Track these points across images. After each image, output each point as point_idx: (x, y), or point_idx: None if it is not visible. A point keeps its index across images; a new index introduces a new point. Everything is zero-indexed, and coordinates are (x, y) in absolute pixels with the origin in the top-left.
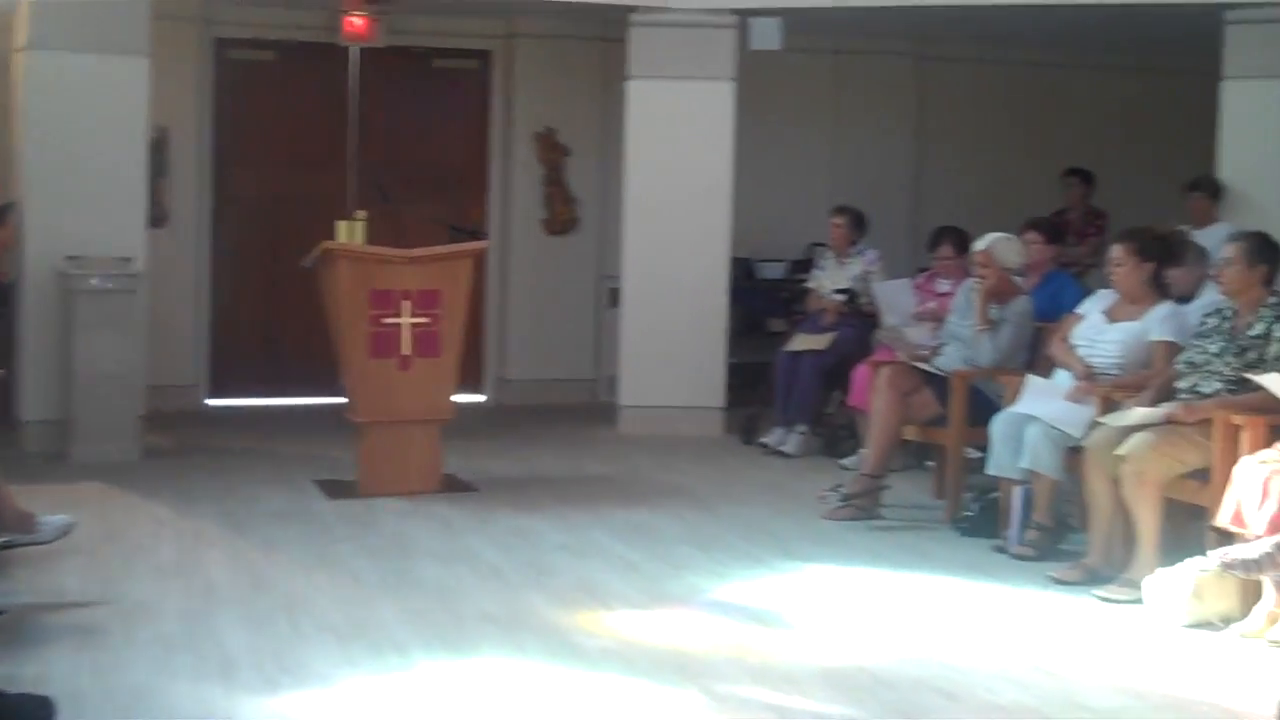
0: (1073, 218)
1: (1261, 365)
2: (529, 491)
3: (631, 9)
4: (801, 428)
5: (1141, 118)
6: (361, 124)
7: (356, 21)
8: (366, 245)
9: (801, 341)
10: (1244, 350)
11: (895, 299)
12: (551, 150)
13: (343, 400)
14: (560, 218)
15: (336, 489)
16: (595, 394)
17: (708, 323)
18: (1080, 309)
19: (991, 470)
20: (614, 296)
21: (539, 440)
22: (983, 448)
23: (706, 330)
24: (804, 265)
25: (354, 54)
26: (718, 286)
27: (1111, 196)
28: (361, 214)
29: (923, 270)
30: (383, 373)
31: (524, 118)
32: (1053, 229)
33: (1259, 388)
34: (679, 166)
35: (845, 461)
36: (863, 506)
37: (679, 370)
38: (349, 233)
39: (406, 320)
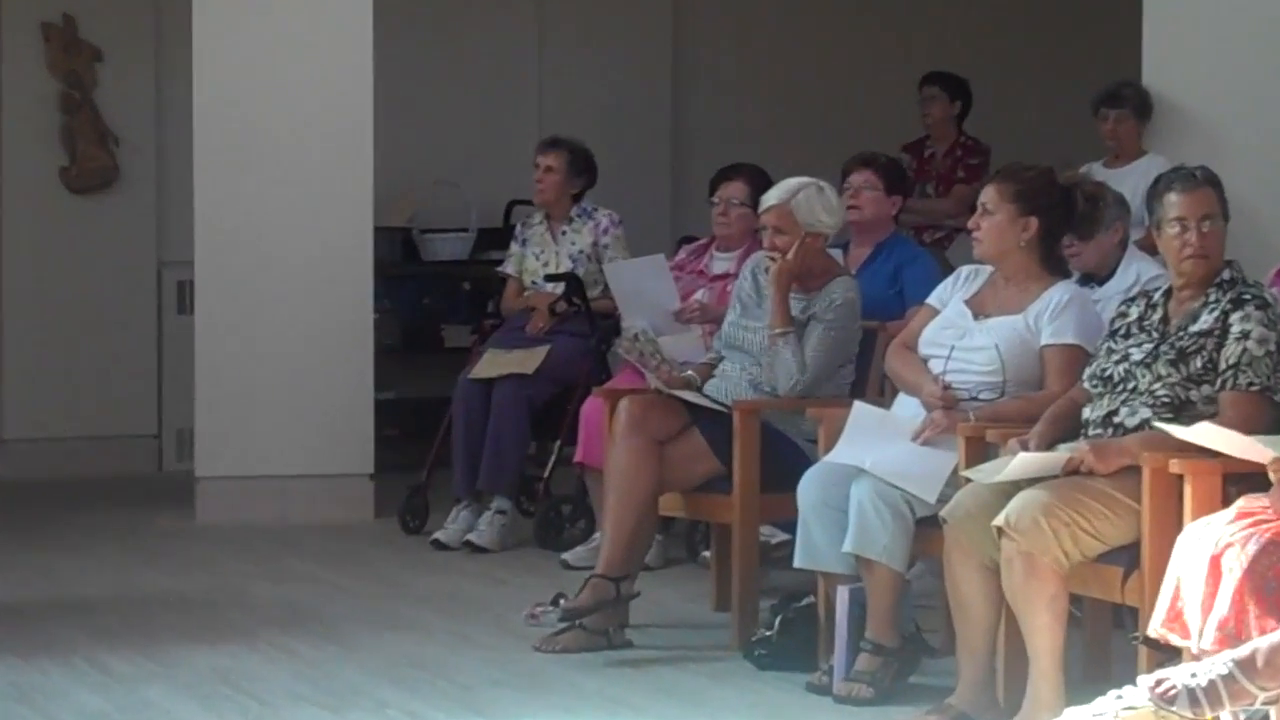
0: (933, 153)
1: (1208, 379)
2: (45, 625)
3: None
4: (498, 503)
5: (1035, 3)
6: None
7: None
8: None
9: (495, 363)
10: (1184, 355)
11: (644, 286)
12: (70, 53)
13: None
14: (88, 166)
15: None
16: (158, 459)
17: (343, 337)
18: (935, 297)
19: (801, 562)
20: (185, 296)
21: (61, 538)
22: (788, 525)
23: (341, 349)
24: (498, 238)
25: None
26: (357, 276)
27: (993, 121)
28: None
29: (687, 241)
30: None
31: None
32: (893, 169)
33: (1209, 412)
34: (285, 84)
35: (569, 555)
36: (598, 629)
37: (298, 415)
38: None
39: None
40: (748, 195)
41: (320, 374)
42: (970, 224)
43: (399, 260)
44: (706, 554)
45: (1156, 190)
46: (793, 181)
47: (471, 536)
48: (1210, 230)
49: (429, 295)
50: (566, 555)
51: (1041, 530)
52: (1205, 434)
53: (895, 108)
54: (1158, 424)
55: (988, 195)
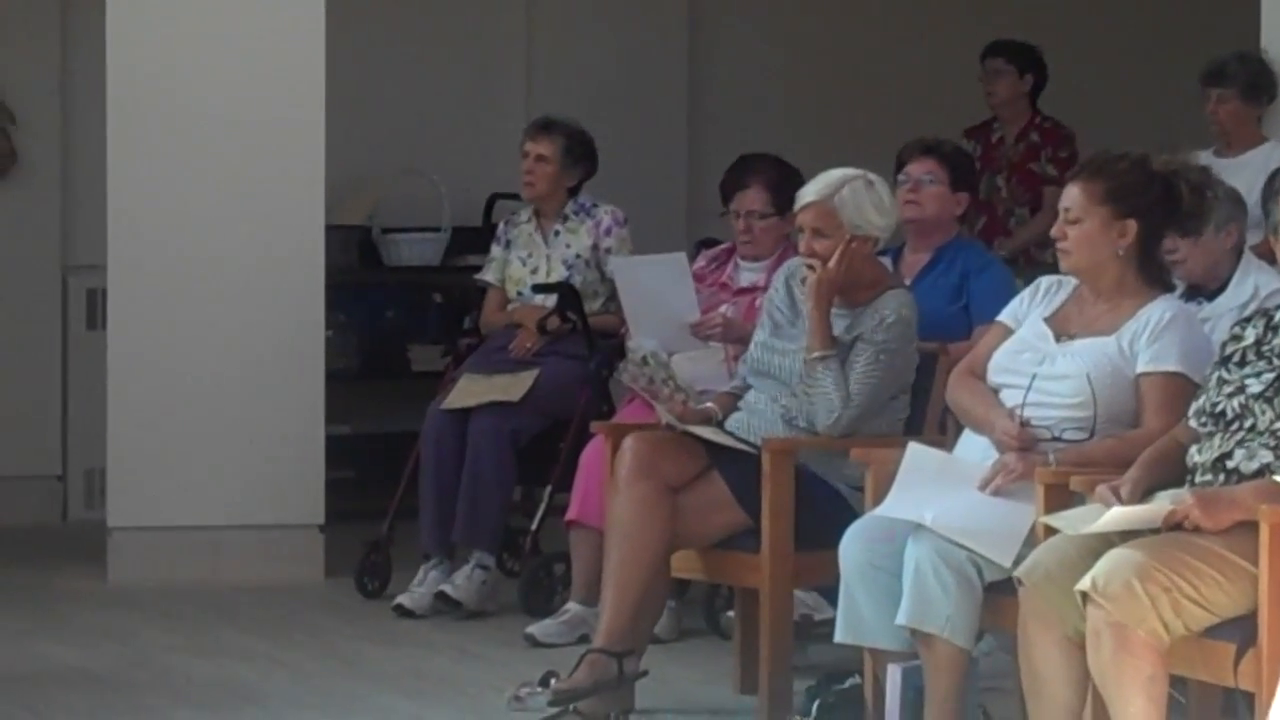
0: (1002, 136)
1: None
2: None
3: None
4: (479, 557)
5: None
6: None
7: None
8: None
9: (473, 390)
10: None
11: (658, 291)
12: None
13: None
14: None
15: None
16: (63, 506)
17: (288, 359)
18: (1008, 314)
19: (844, 636)
20: (96, 307)
21: None
22: (829, 591)
23: (286, 374)
24: (476, 239)
25: None
26: (306, 286)
27: (1071, 99)
28: None
29: (707, 244)
30: None
31: None
32: (961, 159)
33: None
34: (218, 55)
35: (536, 629)
36: (597, 715)
37: (232, 454)
38: None
39: None
40: (768, 202)
41: (260, 404)
42: (1054, 233)
43: (356, 266)
44: (728, 619)
45: (1273, 186)
46: (835, 174)
47: (445, 587)
48: None
49: (393, 308)
50: (533, 629)
51: (1136, 596)
52: None
53: (955, 83)
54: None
55: (1073, 198)
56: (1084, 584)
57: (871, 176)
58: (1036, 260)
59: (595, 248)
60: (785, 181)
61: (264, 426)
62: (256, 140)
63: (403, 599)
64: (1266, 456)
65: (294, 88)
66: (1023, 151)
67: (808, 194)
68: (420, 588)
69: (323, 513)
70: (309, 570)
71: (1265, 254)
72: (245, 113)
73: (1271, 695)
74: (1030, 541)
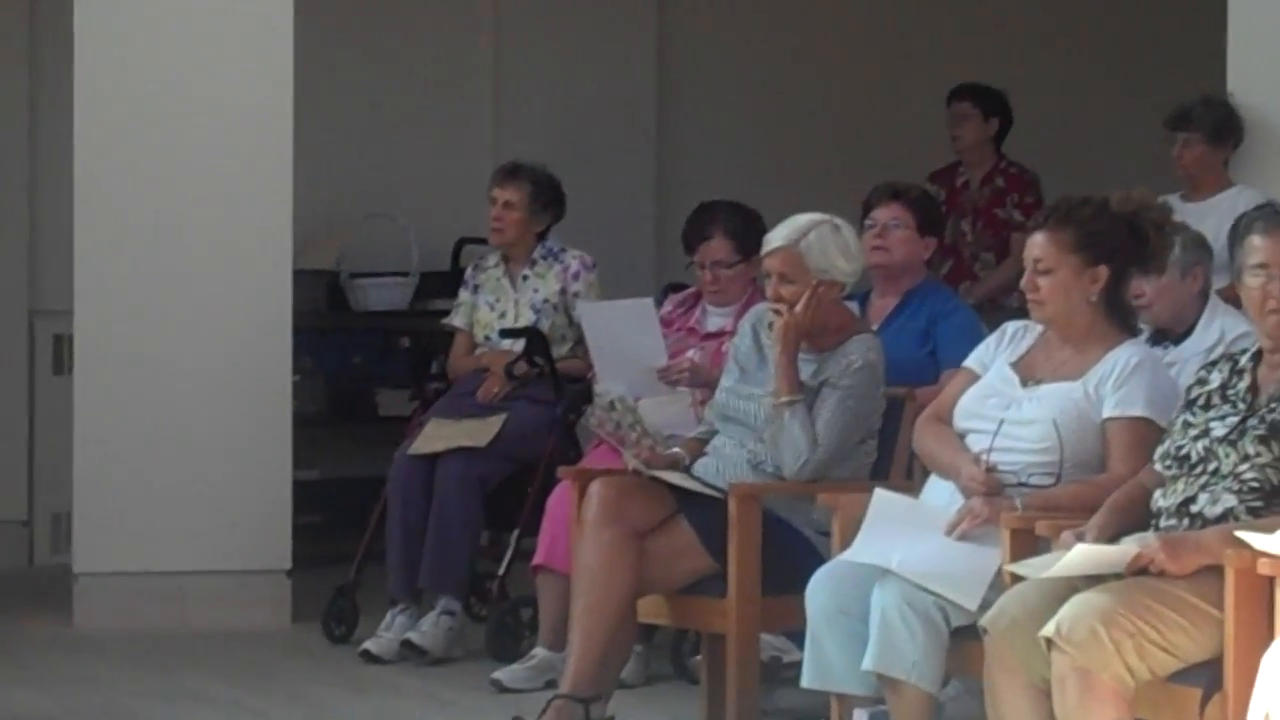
0: (967, 180)
1: None
2: None
3: None
4: (445, 603)
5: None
6: None
7: None
8: None
9: (440, 435)
10: (1277, 430)
11: (625, 336)
12: None
13: None
14: None
15: None
16: (29, 551)
17: (255, 404)
18: (974, 359)
19: (811, 681)
20: (63, 352)
21: None
22: (796, 636)
23: (253, 419)
24: (444, 283)
25: None
26: (273, 330)
27: (1034, 142)
28: None
29: (675, 288)
30: None
31: None
32: (927, 204)
33: None
34: (187, 97)
35: (503, 674)
36: None
37: (199, 499)
38: None
39: None
40: (733, 250)
41: (227, 449)
42: (1025, 284)
43: (324, 310)
44: (695, 664)
45: (1238, 231)
46: (802, 219)
47: (411, 635)
48: (1261, 281)
49: (360, 353)
50: (500, 674)
51: (1101, 642)
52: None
53: (921, 127)
54: (1239, 533)
55: (1041, 249)
56: (1048, 630)
57: (838, 221)
58: (1003, 306)
59: (563, 292)
60: (747, 227)
61: (231, 472)
62: (224, 185)
63: (369, 645)
64: (1230, 501)
65: (261, 132)
66: (988, 196)
67: (774, 239)
68: (387, 633)
69: (289, 558)
70: (276, 616)
71: (1231, 298)
72: (213, 157)
73: None
74: (997, 586)
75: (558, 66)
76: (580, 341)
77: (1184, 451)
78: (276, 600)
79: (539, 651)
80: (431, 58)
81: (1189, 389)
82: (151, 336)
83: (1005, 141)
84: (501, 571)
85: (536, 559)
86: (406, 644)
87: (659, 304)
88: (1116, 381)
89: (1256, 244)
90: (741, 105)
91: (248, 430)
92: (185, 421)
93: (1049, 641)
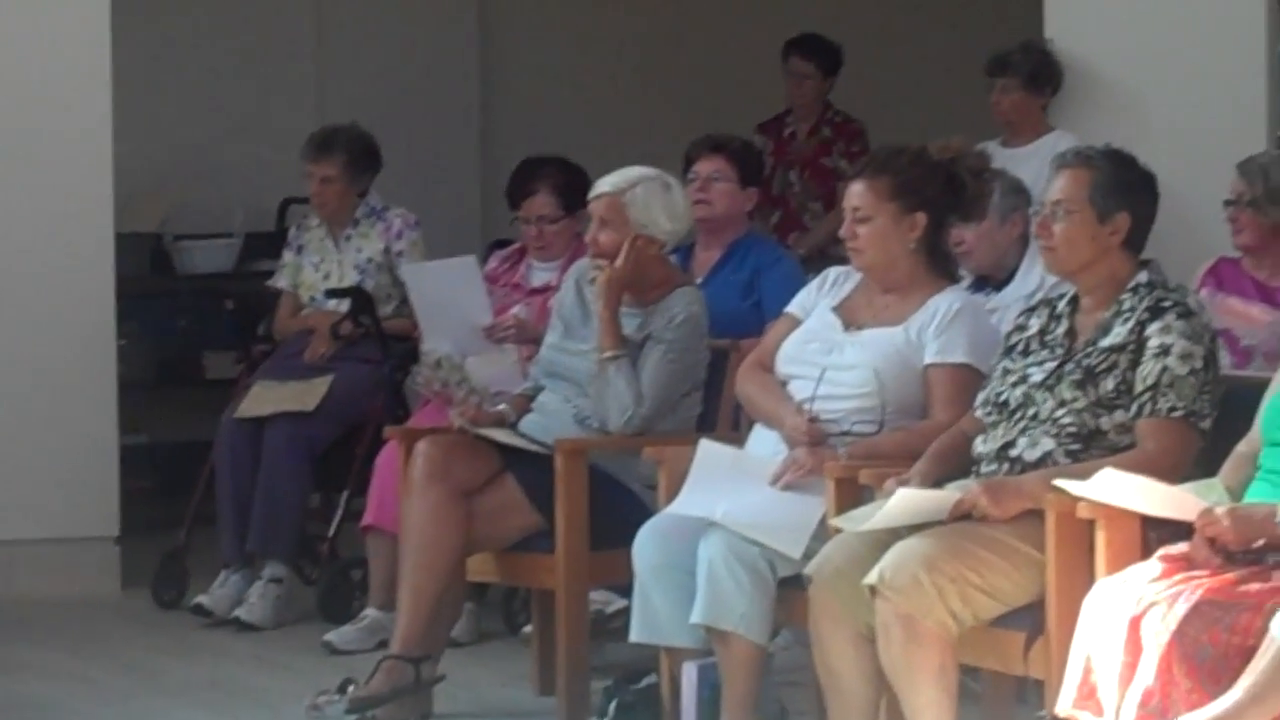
0: (794, 131)
1: (1121, 403)
2: None
3: None
4: (272, 570)
5: None
6: None
7: None
8: None
9: (267, 398)
10: (1093, 376)
11: (450, 295)
12: None
13: None
14: None
15: None
16: None
17: (79, 369)
18: (796, 304)
19: (639, 635)
20: None
21: None
22: (625, 590)
23: (77, 385)
24: (269, 244)
25: None
26: (96, 295)
27: (857, 90)
28: None
29: (500, 246)
30: None
31: None
32: (749, 156)
33: (1123, 443)
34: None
35: (334, 636)
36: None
37: (23, 467)
38: None
39: None
40: (557, 205)
41: (51, 415)
42: (844, 233)
43: (148, 274)
44: (528, 628)
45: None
46: (635, 171)
47: (239, 612)
48: (1066, 219)
49: (185, 316)
50: (331, 636)
51: (923, 588)
52: (1111, 487)
53: (749, 77)
54: (1058, 481)
55: (859, 198)
56: (871, 578)
57: (670, 180)
58: (832, 256)
59: (387, 251)
60: (572, 182)
61: (57, 438)
62: (42, 150)
63: (203, 598)
64: (1049, 444)
65: (80, 94)
66: (815, 146)
67: (603, 185)
68: (221, 589)
69: (118, 524)
70: (106, 582)
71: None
72: (31, 120)
73: (1060, 682)
74: (821, 535)
75: (380, 23)
76: (406, 300)
77: (1003, 398)
78: (106, 567)
79: (370, 612)
80: (252, 16)
81: (1008, 335)
82: None
83: (830, 90)
84: (331, 533)
85: (365, 520)
86: (236, 621)
87: (484, 260)
88: (938, 328)
89: (1053, 183)
90: (567, 60)
91: (73, 396)
92: (8, 389)
93: (873, 589)
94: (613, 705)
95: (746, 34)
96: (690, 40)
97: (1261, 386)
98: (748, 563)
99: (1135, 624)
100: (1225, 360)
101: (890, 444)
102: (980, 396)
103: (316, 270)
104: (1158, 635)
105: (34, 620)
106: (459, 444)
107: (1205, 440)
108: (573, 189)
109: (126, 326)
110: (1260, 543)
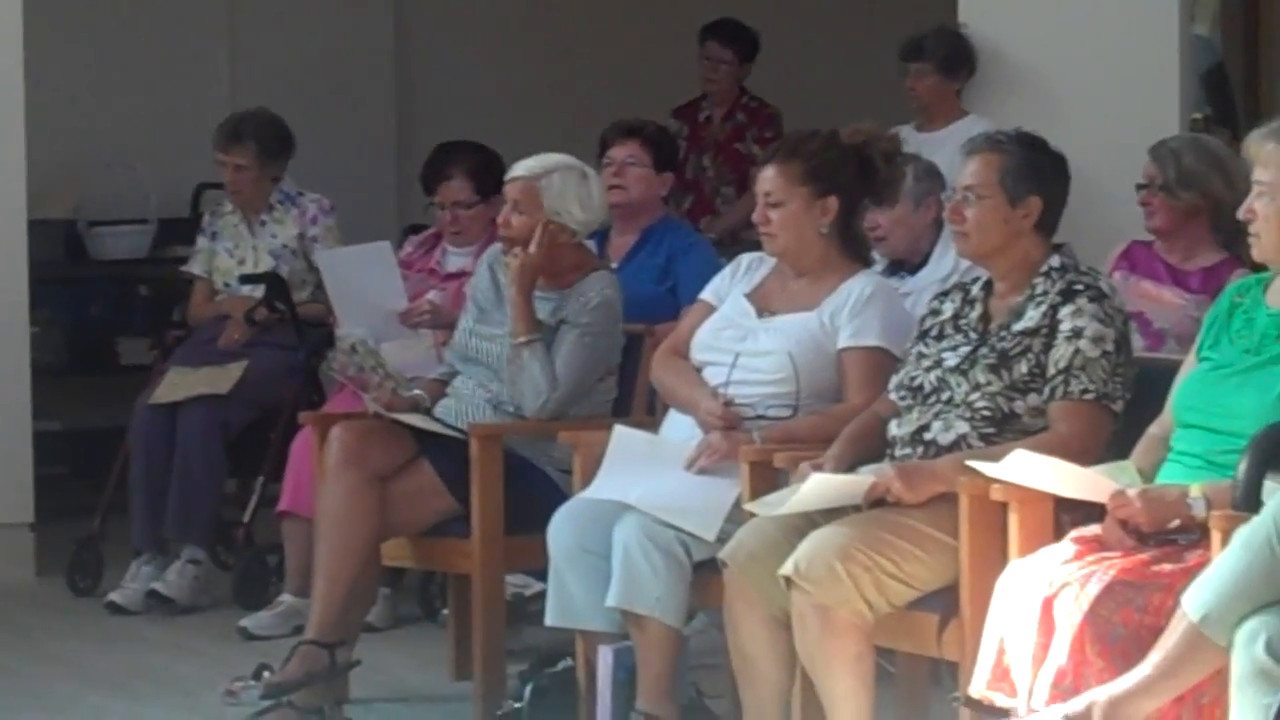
0: (709, 116)
1: (1035, 386)
2: None
3: None
4: (190, 551)
5: None
6: None
7: None
8: None
9: (181, 383)
10: (1006, 359)
11: (364, 281)
12: None
13: None
14: None
15: None
16: None
17: None
18: (710, 291)
19: (555, 619)
20: None
21: None
22: (542, 574)
23: None
24: (183, 230)
25: None
26: (8, 281)
27: (783, 79)
28: None
29: (415, 231)
30: None
31: None
32: (664, 140)
33: (1037, 426)
34: None
35: (249, 621)
36: (310, 706)
37: None
38: None
39: None
40: (472, 190)
41: None
42: (756, 218)
43: (61, 260)
44: (444, 612)
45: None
46: (554, 158)
47: (157, 585)
48: (977, 203)
49: (99, 302)
50: (246, 622)
51: (838, 579)
52: (1024, 469)
53: (664, 61)
54: (971, 462)
55: (771, 182)
56: (786, 568)
57: (588, 171)
58: (744, 240)
59: (302, 237)
60: (487, 167)
61: None
62: None
63: (115, 596)
64: (963, 427)
65: None
66: (729, 131)
67: (519, 168)
68: (133, 584)
69: (32, 511)
70: (19, 570)
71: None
72: None
73: (973, 663)
74: (736, 519)
75: (294, 6)
76: (320, 286)
77: (917, 382)
78: (20, 554)
79: (286, 598)
80: (165, 1)
81: (922, 319)
82: None
83: (747, 77)
84: (247, 519)
85: (281, 505)
86: (153, 594)
87: (399, 245)
88: (851, 312)
89: (964, 168)
90: (482, 44)
91: None
92: None
93: (788, 580)
94: (528, 689)
95: (663, 18)
96: (607, 24)
97: (1173, 369)
98: (663, 546)
99: (1048, 605)
100: (1138, 343)
101: (805, 428)
102: (894, 380)
103: (231, 256)
104: (1070, 615)
105: None
106: (374, 429)
107: (1118, 422)
108: (488, 174)
109: (40, 313)
110: (1174, 524)
